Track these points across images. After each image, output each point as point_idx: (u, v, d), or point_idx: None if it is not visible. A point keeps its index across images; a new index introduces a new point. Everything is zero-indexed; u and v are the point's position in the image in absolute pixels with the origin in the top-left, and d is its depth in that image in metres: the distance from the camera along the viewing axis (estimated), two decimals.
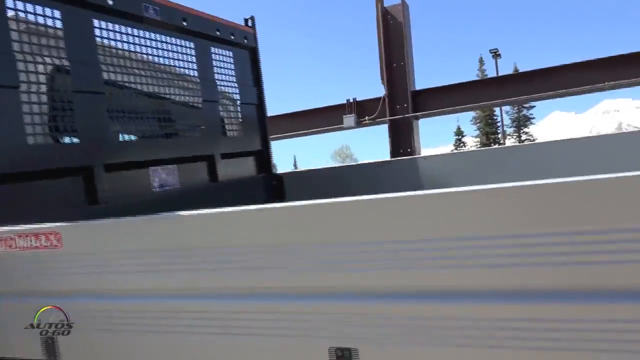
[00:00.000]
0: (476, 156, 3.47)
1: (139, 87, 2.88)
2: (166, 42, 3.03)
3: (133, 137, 2.98)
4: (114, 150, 2.67)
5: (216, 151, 3.44)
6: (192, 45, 3.22)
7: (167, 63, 3.06)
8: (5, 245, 1.82)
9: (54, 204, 2.34)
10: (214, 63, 3.46)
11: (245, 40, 3.76)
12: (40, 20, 2.32)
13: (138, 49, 2.85)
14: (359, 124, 7.95)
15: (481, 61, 45.61)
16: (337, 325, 1.27)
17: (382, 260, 1.26)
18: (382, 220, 1.25)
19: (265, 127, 4.00)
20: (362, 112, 8.06)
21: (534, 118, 49.46)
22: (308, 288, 1.29)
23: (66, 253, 1.74)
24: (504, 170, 3.42)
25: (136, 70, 2.85)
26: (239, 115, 3.77)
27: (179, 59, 3.15)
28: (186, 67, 3.21)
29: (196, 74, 3.29)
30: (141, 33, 2.82)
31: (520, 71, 8.37)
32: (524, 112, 47.73)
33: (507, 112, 48.23)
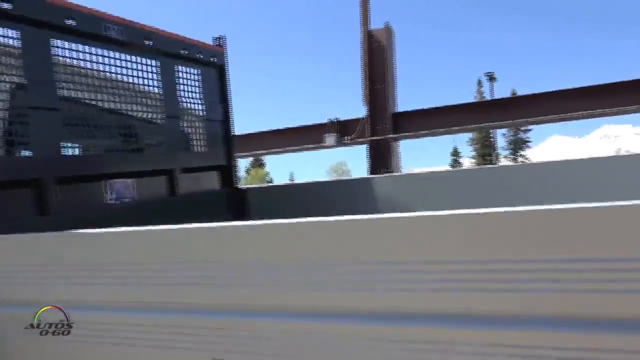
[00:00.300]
0: (422, 178, 3.56)
1: (98, 103, 3.00)
2: (128, 61, 3.16)
3: (89, 151, 3.08)
4: (67, 163, 2.78)
5: (176, 165, 3.54)
6: (155, 63, 3.35)
7: (127, 80, 3.19)
8: None
9: (5, 214, 2.44)
10: (179, 80, 3.58)
11: (214, 59, 3.90)
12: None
13: (98, 66, 2.98)
14: (340, 143, 8.08)
15: (479, 84, 45.98)
16: (218, 339, 1.37)
17: (259, 281, 1.36)
18: (259, 244, 1.36)
19: (230, 143, 4.11)
20: (345, 131, 8.20)
21: (530, 141, 49.82)
22: (190, 304, 1.39)
23: None
24: (458, 192, 3.52)
25: (96, 87, 2.97)
26: (203, 130, 3.88)
27: (141, 77, 3.27)
28: (148, 84, 3.33)
29: (159, 91, 3.41)
30: (100, 51, 2.95)
31: (500, 97, 8.49)
32: (520, 135, 48.09)
33: (503, 135, 48.57)
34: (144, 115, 3.37)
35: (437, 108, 7.79)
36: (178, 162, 3.57)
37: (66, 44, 2.75)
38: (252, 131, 8.64)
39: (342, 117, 8.23)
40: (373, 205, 3.60)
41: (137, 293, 1.47)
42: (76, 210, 2.79)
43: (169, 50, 3.45)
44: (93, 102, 2.96)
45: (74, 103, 2.84)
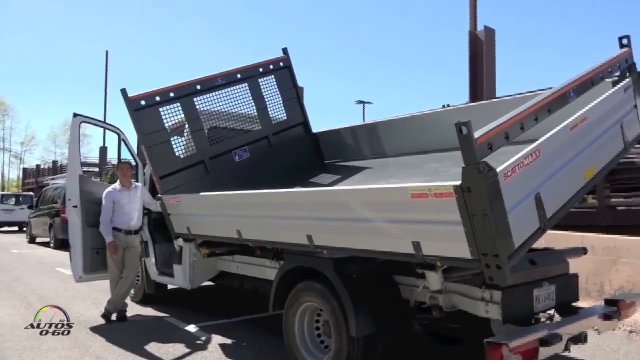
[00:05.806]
0: None
1: (222, 122, 6.19)
2: (231, 91, 6.29)
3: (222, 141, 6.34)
4: (213, 148, 6.12)
5: (268, 132, 6.38)
6: (245, 85, 6.39)
7: (232, 100, 6.31)
8: None
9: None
10: (262, 87, 6.44)
11: (281, 64, 6.50)
12: None
13: (217, 104, 6.19)
14: None
15: None
16: None
17: None
18: None
19: (301, 101, 6.66)
20: None
21: None
22: None
23: None
24: None
25: (219, 115, 6.16)
26: (281, 105, 6.49)
27: (239, 95, 6.39)
28: (244, 96, 6.38)
29: (250, 96, 6.37)
30: (214, 94, 6.12)
31: None
32: None
33: None
34: (245, 114, 6.44)
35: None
36: (276, 128, 6.40)
37: (198, 98, 6.00)
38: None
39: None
40: None
41: None
42: (223, 167, 6.04)
43: (250, 75, 6.41)
44: (220, 121, 6.12)
45: (209, 125, 6.06)
